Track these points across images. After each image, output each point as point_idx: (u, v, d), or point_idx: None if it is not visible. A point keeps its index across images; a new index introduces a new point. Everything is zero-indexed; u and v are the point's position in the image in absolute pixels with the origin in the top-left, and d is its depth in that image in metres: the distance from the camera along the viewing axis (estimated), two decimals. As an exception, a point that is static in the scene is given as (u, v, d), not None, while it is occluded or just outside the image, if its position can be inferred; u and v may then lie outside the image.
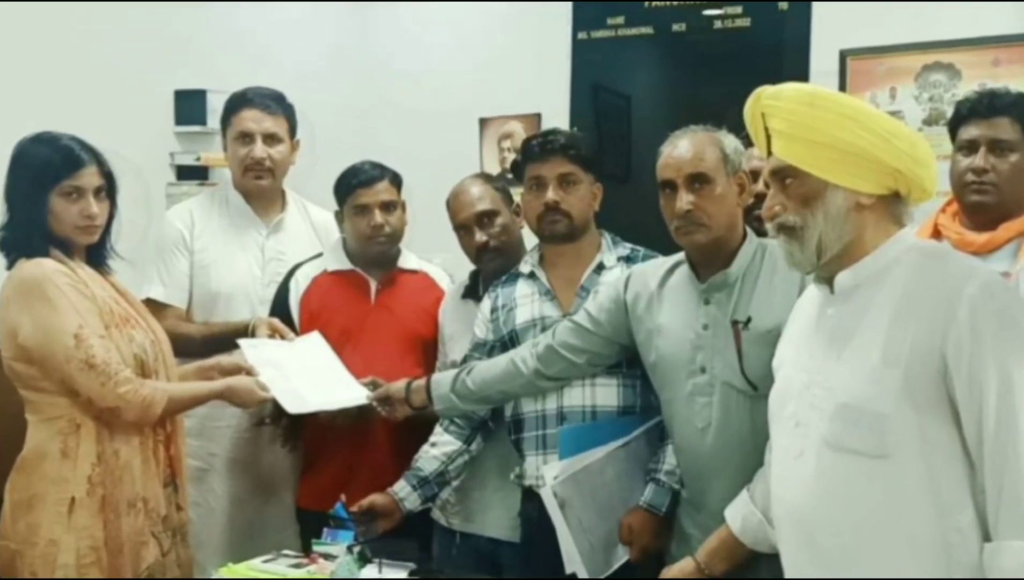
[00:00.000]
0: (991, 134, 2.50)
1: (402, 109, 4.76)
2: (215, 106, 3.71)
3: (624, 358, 2.54)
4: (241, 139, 3.19)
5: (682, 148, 2.35)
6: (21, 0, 3.59)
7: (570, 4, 4.48)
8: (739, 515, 2.17)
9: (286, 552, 2.53)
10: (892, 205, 1.90)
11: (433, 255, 3.25)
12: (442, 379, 2.67)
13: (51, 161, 2.47)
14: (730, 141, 2.37)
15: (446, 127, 4.68)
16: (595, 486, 2.50)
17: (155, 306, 2.99)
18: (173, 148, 4.21)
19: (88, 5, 3.80)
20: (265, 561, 2.46)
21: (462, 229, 2.90)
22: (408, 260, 3.14)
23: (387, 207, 2.99)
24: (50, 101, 3.43)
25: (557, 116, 4.41)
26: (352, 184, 2.99)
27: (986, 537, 1.74)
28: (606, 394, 2.57)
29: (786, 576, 1.96)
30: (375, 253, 3.03)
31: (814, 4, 3.93)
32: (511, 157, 4.39)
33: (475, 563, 2.81)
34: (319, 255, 3.15)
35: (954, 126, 2.61)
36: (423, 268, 3.16)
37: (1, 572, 2.46)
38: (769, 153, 1.93)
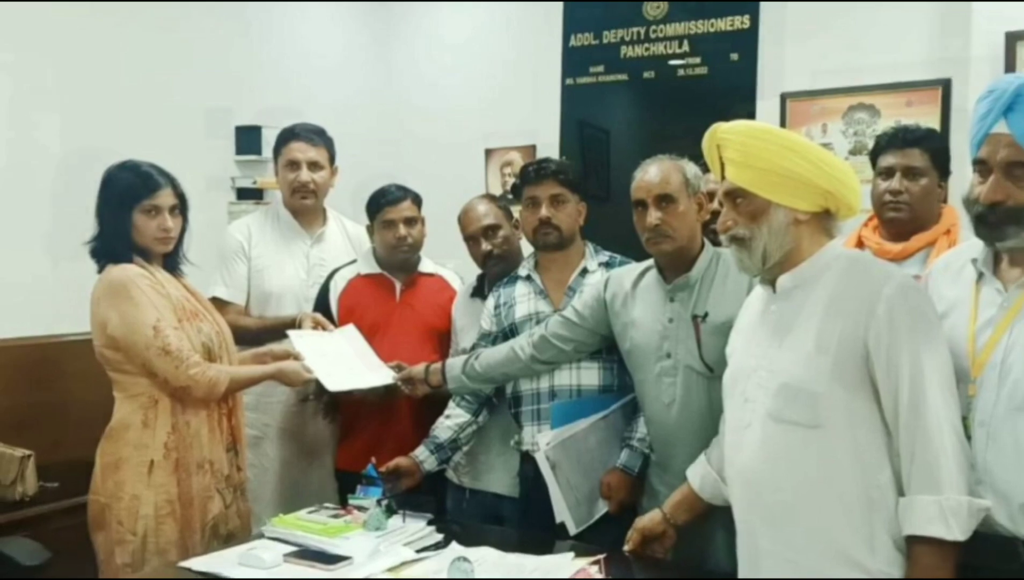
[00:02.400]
0: (905, 162, 2.50)
1: (421, 140, 4.76)
2: (268, 139, 3.70)
3: (604, 346, 2.53)
4: (290, 166, 3.18)
5: (651, 173, 2.34)
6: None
7: (560, 53, 4.48)
8: (698, 475, 2.17)
9: (327, 505, 2.53)
10: (824, 220, 1.89)
11: (446, 261, 3.24)
12: (454, 363, 2.67)
13: (134, 184, 2.47)
14: (691, 167, 2.37)
15: (457, 156, 4.67)
16: (580, 451, 2.49)
17: (219, 303, 2.98)
18: (234, 173, 4.20)
19: (165, 56, 3.81)
20: (309, 512, 2.45)
21: (470, 240, 2.90)
22: (426, 265, 3.13)
23: (410, 222, 2.98)
24: (135, 136, 3.42)
25: (549, 147, 4.41)
26: (381, 203, 2.98)
27: (901, 493, 1.75)
28: (589, 375, 2.57)
29: (737, 526, 1.96)
30: (399, 260, 3.03)
31: (759, 56, 3.93)
32: (511, 181, 4.40)
33: (481, 514, 2.81)
34: (354, 261, 3.14)
35: (874, 155, 2.61)
36: (438, 272, 3.15)
37: (92, 521, 2.46)
38: (723, 177, 1.93)
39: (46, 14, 3.43)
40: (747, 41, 3.91)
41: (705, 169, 2.17)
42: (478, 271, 2.97)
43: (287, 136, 3.20)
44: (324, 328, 2.91)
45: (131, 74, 3.70)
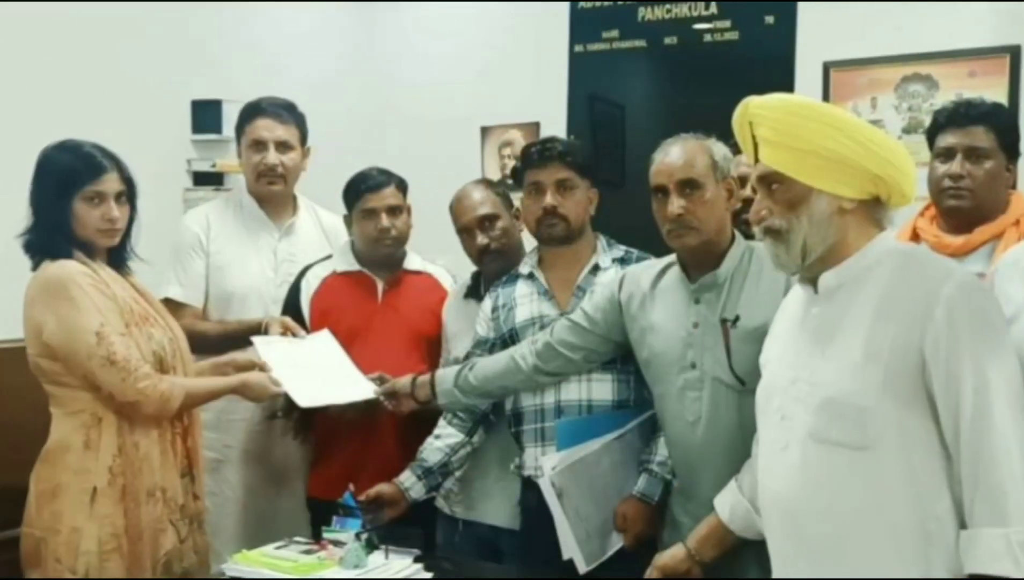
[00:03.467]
0: (967, 142, 2.50)
1: (408, 118, 4.75)
2: (230, 115, 3.71)
3: (619, 355, 2.53)
4: (255, 146, 3.18)
5: (673, 155, 2.34)
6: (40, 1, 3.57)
7: (568, 17, 4.47)
8: (728, 504, 2.17)
9: (297, 539, 2.53)
10: (873, 209, 1.89)
11: (437, 256, 3.24)
12: (446, 375, 2.67)
13: (74, 167, 2.46)
14: (719, 148, 2.37)
15: (450, 136, 4.67)
16: (591, 476, 2.49)
17: (173, 305, 2.98)
18: (190, 155, 4.20)
19: (108, 20, 3.79)
20: (277, 548, 2.45)
21: (464, 232, 2.89)
22: (412, 261, 3.13)
23: (393, 211, 2.98)
24: (73, 111, 3.42)
25: (555, 125, 4.41)
26: (360, 189, 2.98)
27: (962, 525, 1.74)
28: (601, 389, 2.57)
29: (772, 562, 1.96)
30: (381, 255, 3.03)
31: (799, 18, 3.93)
32: (511, 163, 4.40)
33: (477, 550, 2.81)
34: (328, 257, 3.14)
35: (932, 134, 2.61)
36: (427, 269, 3.15)
37: (26, 558, 2.45)
38: (756, 160, 1.93)
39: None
40: (784, 2, 3.91)
41: (736, 150, 2.17)
42: (473, 268, 2.97)
43: (251, 112, 3.21)
44: (294, 334, 2.91)
45: (71, 41, 3.69)
